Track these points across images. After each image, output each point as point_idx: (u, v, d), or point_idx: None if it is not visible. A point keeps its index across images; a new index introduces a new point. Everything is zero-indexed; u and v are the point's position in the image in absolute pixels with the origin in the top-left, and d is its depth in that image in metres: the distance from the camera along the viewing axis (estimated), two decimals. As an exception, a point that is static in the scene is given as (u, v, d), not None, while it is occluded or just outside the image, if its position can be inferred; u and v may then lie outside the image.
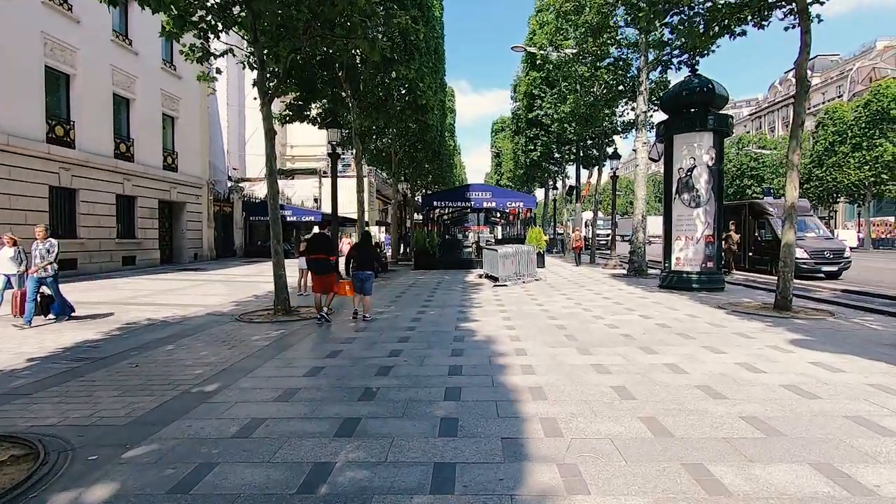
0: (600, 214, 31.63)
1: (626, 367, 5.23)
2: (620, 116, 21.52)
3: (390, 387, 4.62)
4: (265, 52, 8.79)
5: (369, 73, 14.01)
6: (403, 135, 20.90)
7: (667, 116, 12.74)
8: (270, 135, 8.94)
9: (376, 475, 2.93)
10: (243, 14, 8.55)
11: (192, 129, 22.70)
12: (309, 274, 9.42)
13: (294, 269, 11.80)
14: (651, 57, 15.25)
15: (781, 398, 4.25)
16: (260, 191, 28.02)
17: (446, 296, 11.35)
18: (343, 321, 8.21)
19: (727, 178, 43.16)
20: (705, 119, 11.59)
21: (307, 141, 33.31)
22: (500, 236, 32.48)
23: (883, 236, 39.87)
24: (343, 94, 14.12)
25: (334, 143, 12.52)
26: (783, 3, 9.40)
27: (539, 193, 39.15)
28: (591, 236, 24.77)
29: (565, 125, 22.53)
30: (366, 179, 27.45)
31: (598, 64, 18.13)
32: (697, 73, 12.19)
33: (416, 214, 33.11)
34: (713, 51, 13.11)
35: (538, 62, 24.03)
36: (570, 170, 31.02)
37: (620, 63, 17.89)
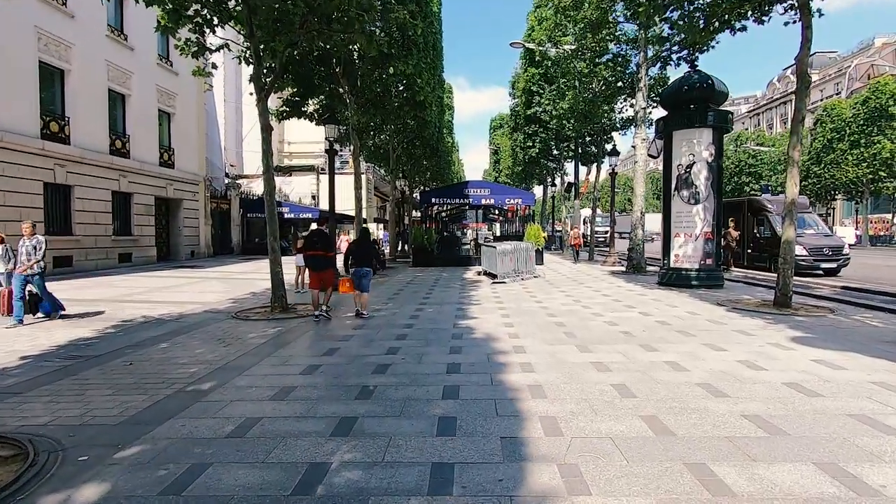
0: (599, 211, 31.63)
1: (627, 365, 5.18)
2: (619, 113, 21.48)
3: (388, 385, 4.56)
4: (261, 46, 8.70)
5: (367, 68, 13.91)
6: (401, 131, 20.79)
7: (666, 113, 12.67)
8: (267, 131, 8.87)
9: (373, 476, 2.88)
10: (239, 8, 8.45)
11: (189, 125, 22.55)
12: (306, 271, 9.35)
13: (291, 266, 11.74)
14: (650, 53, 15.17)
15: (784, 396, 4.20)
16: (257, 187, 27.84)
17: (444, 293, 11.30)
18: (340, 318, 8.16)
19: (725, 176, 43.11)
20: (705, 115, 11.52)
21: (304, 137, 33.13)
22: (498, 233, 32.35)
23: (880, 233, 39.98)
24: (340, 89, 14.01)
25: (332, 139, 12.39)
26: (784, -3, 9.35)
27: (538, 190, 39.11)
28: (589, 233, 24.75)
29: (564, 122, 22.49)
30: (363, 176, 27.38)
31: (596, 60, 18.06)
32: (697, 69, 12.12)
33: (414, 211, 33.00)
34: (712, 46, 13.07)
35: (537, 58, 23.95)
36: (569, 166, 30.93)
37: (619, 59, 17.80)
